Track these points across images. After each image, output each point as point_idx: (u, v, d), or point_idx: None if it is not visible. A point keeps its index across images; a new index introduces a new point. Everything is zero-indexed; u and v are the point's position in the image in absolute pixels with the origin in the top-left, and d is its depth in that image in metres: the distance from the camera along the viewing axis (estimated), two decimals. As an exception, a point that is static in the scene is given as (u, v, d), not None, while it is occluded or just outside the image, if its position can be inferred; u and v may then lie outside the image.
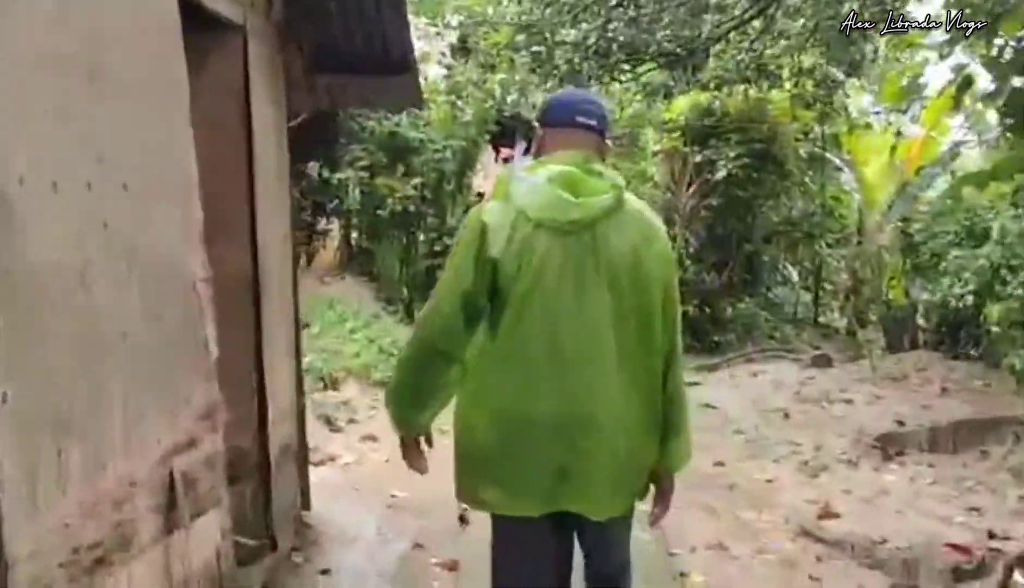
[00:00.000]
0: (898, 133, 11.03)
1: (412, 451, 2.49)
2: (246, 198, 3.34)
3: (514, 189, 2.21)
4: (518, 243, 2.14)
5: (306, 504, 4.12)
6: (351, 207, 11.01)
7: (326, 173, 10.59)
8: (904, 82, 7.96)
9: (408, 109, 5.49)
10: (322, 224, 11.54)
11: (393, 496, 4.84)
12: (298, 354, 4.07)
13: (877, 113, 12.12)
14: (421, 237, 10.98)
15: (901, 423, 6.33)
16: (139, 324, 2.21)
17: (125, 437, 2.15)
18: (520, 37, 9.12)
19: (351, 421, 6.58)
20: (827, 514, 4.81)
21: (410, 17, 11.21)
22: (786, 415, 7.03)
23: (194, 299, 2.56)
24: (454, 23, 11.74)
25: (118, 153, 2.14)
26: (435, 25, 10.92)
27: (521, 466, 2.21)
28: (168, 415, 2.37)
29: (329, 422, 6.21)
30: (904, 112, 8.27)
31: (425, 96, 11.07)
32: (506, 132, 13.49)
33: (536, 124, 2.52)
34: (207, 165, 3.32)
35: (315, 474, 5.08)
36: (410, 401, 2.37)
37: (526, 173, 2.26)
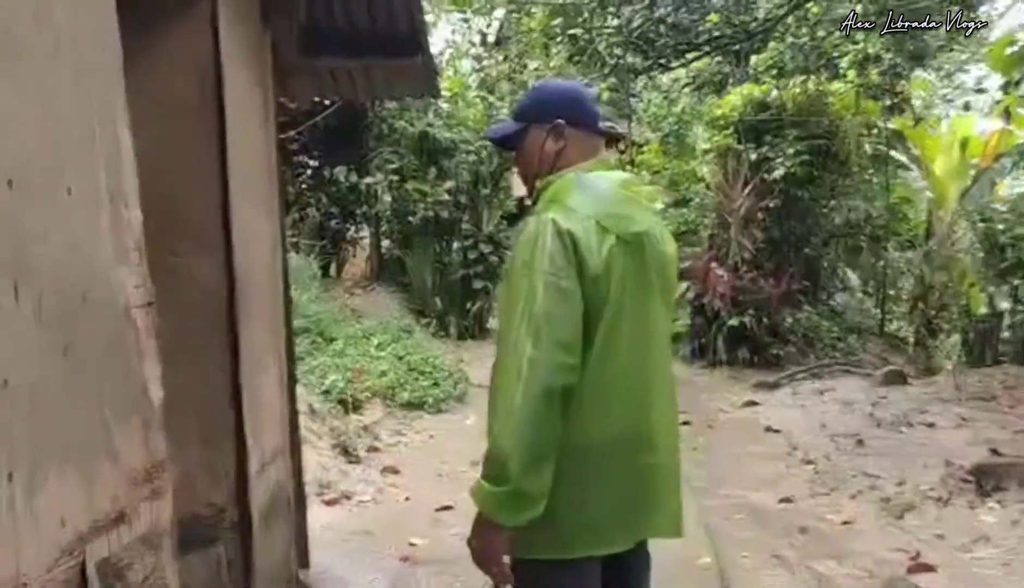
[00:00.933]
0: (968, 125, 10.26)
1: (501, 549, 1.97)
2: (218, 199, 2.80)
3: (581, 196, 2.02)
4: (602, 257, 1.95)
5: (304, 561, 3.56)
6: (381, 213, 10.56)
7: (354, 178, 10.16)
8: (1013, 49, 7.16)
9: (422, 98, 4.96)
10: (351, 232, 11.12)
11: (412, 544, 4.27)
12: (292, 383, 3.52)
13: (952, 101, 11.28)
14: (455, 245, 10.45)
15: (996, 452, 5.61)
16: (32, 362, 1.67)
17: (10, 519, 1.61)
18: (557, 21, 8.48)
19: (372, 450, 6.04)
20: (918, 567, 4.14)
21: (443, 11, 10.72)
22: (860, 441, 6.33)
23: (126, 329, 2.01)
24: (498, 14, 11.20)
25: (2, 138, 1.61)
26: (466, 18, 10.36)
27: (619, 497, 2.04)
28: (81, 483, 1.82)
29: (347, 452, 5.67)
30: (1017, 84, 7.49)
31: (456, 92, 10.63)
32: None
33: (560, 121, 2.13)
34: (163, 159, 2.80)
35: (324, 516, 4.55)
36: (540, 465, 1.89)
37: (590, 179, 2.08)
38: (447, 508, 4.78)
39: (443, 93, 10.21)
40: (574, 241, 1.91)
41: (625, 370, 2.00)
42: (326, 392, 6.56)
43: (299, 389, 6.23)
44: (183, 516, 2.91)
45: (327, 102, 9.70)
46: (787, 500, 5.26)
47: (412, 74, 3.74)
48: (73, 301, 1.80)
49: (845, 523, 4.86)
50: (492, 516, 1.88)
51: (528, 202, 2.25)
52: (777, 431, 6.94)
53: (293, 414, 3.52)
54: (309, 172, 10.86)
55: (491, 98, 10.32)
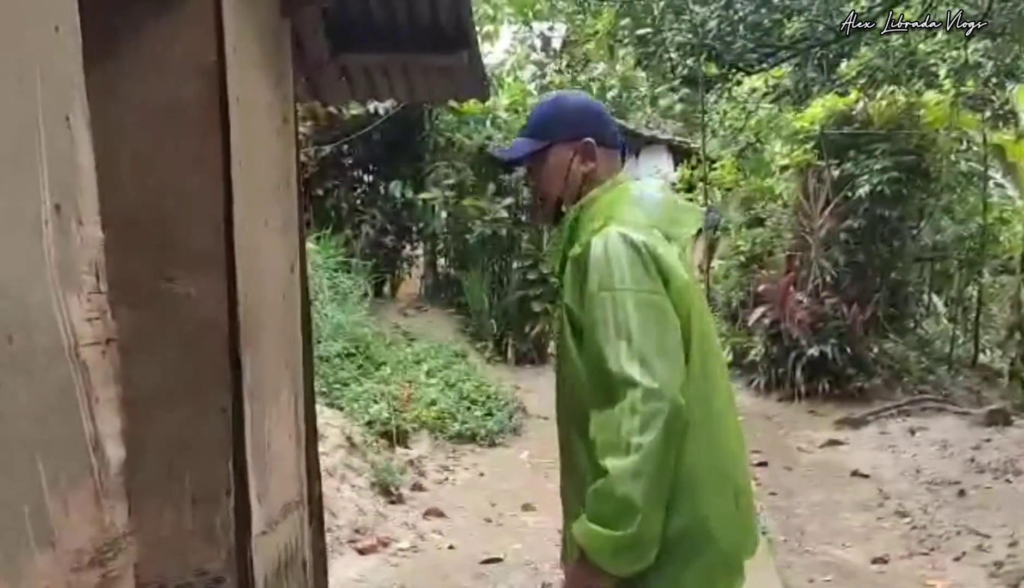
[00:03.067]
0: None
1: None
2: (219, 214, 2.43)
3: (635, 208, 1.94)
4: (677, 269, 1.85)
5: (323, 629, 3.16)
6: (437, 231, 10.23)
7: (410, 193, 9.87)
8: None
9: (468, 99, 4.59)
10: (406, 250, 10.82)
11: (452, 605, 3.85)
12: (312, 426, 3.14)
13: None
14: (514, 264, 10.05)
15: (1124, 509, 4.99)
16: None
17: None
18: (624, 22, 8.02)
19: (416, 488, 5.64)
20: (1043, 651, 3.58)
21: (505, 18, 10.38)
22: (961, 491, 5.73)
23: (72, 375, 1.63)
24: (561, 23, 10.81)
25: None
26: (527, 21, 9.98)
27: (729, 533, 1.90)
28: (-3, 576, 1.44)
29: (387, 491, 5.28)
30: None
31: (515, 99, 10.25)
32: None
33: (590, 140, 2.03)
34: (157, 170, 2.46)
35: (357, 566, 4.16)
36: (660, 505, 1.76)
37: (640, 188, 2.03)
38: (494, 561, 4.37)
39: (502, 102, 9.87)
40: (652, 253, 1.81)
41: (714, 390, 1.90)
42: (369, 423, 6.19)
43: (340, 419, 5.88)
44: (171, 588, 2.54)
45: (381, 112, 9.45)
46: (881, 560, 4.72)
47: (457, 73, 3.36)
48: (-11, 342, 1.43)
49: (950, 592, 4.30)
50: (607, 564, 1.73)
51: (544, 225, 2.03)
52: (865, 476, 6.37)
53: (314, 460, 3.13)
54: (363, 187, 10.61)
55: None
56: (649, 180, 2.12)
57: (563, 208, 2.04)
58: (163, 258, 2.42)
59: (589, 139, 2.01)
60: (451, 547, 4.68)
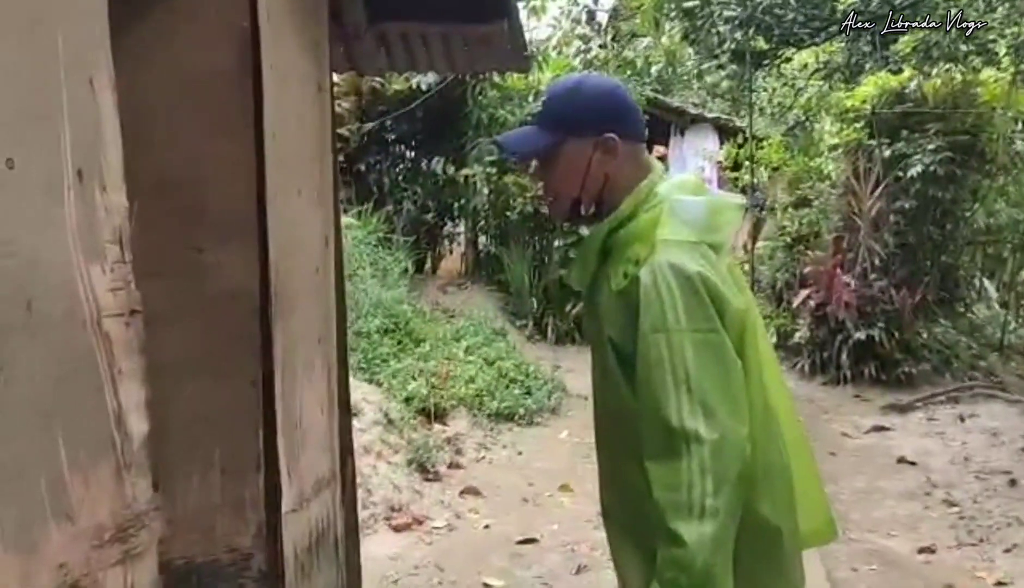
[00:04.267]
0: None
1: None
2: (251, 184, 2.37)
3: (684, 221, 1.75)
4: (728, 297, 1.69)
5: (355, 607, 3.12)
6: (479, 208, 10.17)
7: (452, 170, 9.81)
8: None
9: (509, 71, 4.51)
10: (448, 227, 10.78)
11: (486, 586, 3.80)
12: (346, 402, 3.09)
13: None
14: (556, 242, 9.95)
15: None
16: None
17: None
18: (670, -6, 7.86)
19: (453, 466, 5.61)
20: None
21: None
22: (1012, 481, 5.56)
23: (93, 346, 1.58)
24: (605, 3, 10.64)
25: None
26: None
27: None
28: (9, 557, 1.40)
29: (424, 469, 5.24)
30: None
31: (558, 75, 10.10)
32: (657, 124, 12.29)
33: (612, 136, 1.82)
34: (188, 138, 2.40)
35: (391, 544, 4.13)
36: (730, 565, 1.67)
37: (681, 200, 1.80)
38: (530, 541, 4.32)
39: (546, 77, 9.74)
40: (706, 283, 1.67)
41: (778, 425, 1.77)
42: (407, 400, 6.16)
43: (378, 395, 5.86)
44: (199, 564, 2.51)
45: (424, 88, 9.39)
46: (928, 550, 4.59)
47: (497, 43, 3.26)
48: (9, 307, 1.38)
49: (1000, 584, 4.16)
50: None
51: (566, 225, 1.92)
52: (912, 463, 6.21)
53: (347, 436, 3.08)
54: (405, 163, 10.57)
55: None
56: (683, 179, 1.91)
57: (582, 209, 1.86)
58: (193, 227, 2.37)
59: (611, 135, 1.80)
60: (487, 526, 4.64)
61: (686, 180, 1.91)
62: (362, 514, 4.31)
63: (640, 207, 1.79)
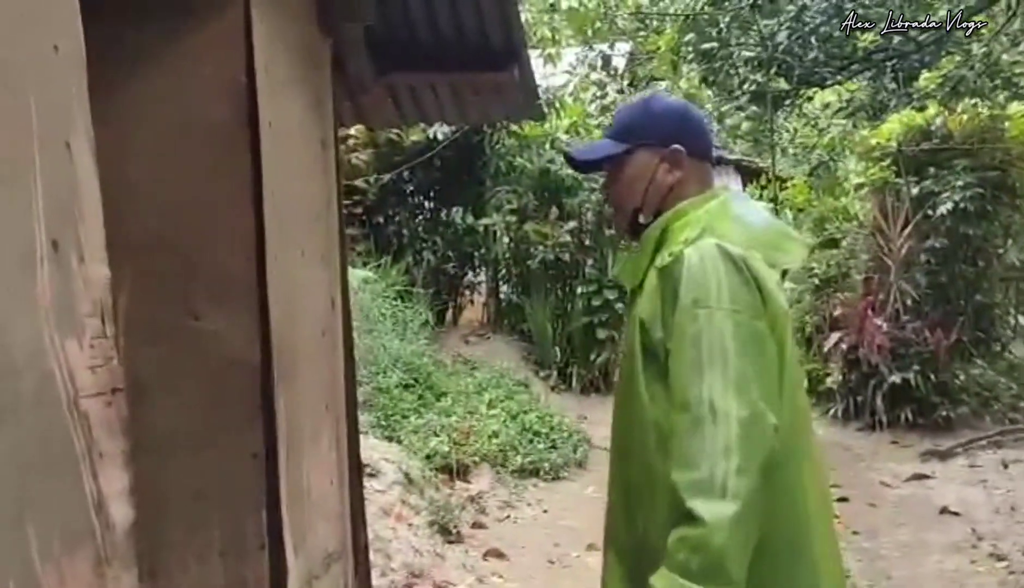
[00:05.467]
0: None
1: None
2: (250, 245, 2.27)
3: (736, 226, 1.72)
4: (775, 295, 1.67)
5: None
6: (499, 257, 10.09)
7: (471, 219, 9.76)
8: None
9: (520, 119, 4.42)
10: (468, 277, 10.70)
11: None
12: (358, 470, 2.96)
13: None
14: (578, 290, 9.83)
15: None
16: None
17: None
18: (688, 37, 7.76)
19: (476, 526, 5.44)
20: None
21: (566, 41, 10.21)
22: (1064, 532, 5.32)
23: (70, 430, 1.47)
24: (621, 48, 10.62)
25: None
26: (587, 40, 9.81)
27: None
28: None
29: (446, 530, 5.08)
30: None
31: (575, 121, 10.07)
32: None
33: (679, 147, 1.83)
34: (182, 198, 2.32)
35: (411, 614, 3.96)
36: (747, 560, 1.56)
37: (741, 206, 1.81)
38: (556, 607, 4.13)
39: (562, 125, 9.70)
40: (751, 269, 1.63)
41: (802, 429, 1.73)
42: (428, 457, 6.01)
43: (398, 453, 5.71)
44: (198, 652, 2.37)
45: (440, 138, 9.36)
46: (978, 610, 4.35)
47: (507, 91, 3.18)
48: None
49: (1057, 647, 3.93)
50: None
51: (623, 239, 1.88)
52: (955, 514, 5.97)
53: (359, 506, 2.95)
54: (424, 214, 10.53)
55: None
56: (753, 201, 1.95)
57: (640, 220, 1.85)
58: (189, 292, 2.27)
59: (678, 147, 1.82)
60: (511, 593, 4.48)
61: (753, 201, 1.95)
62: (381, 581, 4.15)
63: (702, 202, 1.79)
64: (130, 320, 2.25)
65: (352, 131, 10.00)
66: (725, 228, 1.71)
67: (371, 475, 5.05)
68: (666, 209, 1.80)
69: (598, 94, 9.75)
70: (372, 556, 4.21)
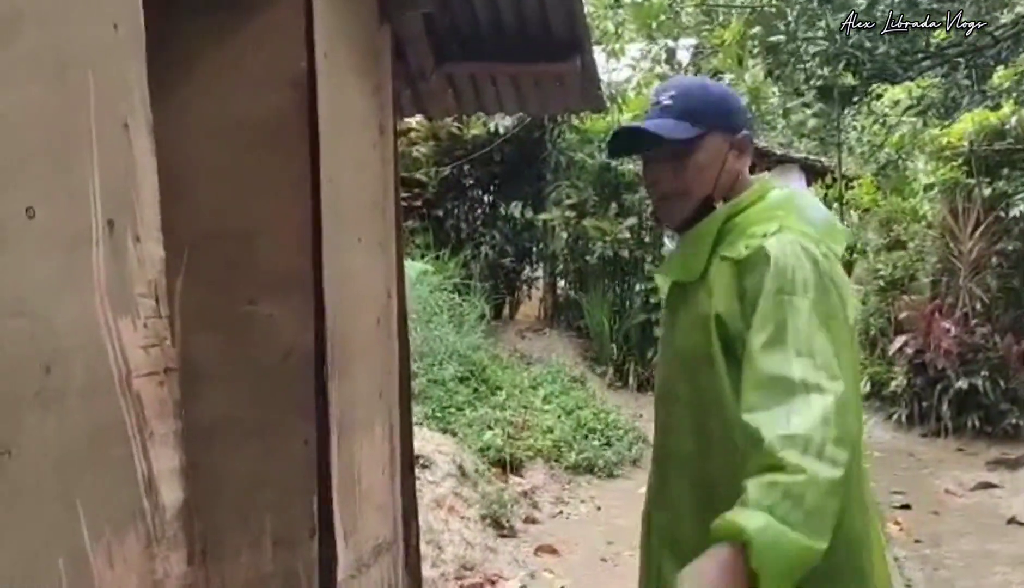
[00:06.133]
0: None
1: None
2: (307, 233, 2.27)
3: (804, 219, 1.71)
4: (848, 295, 1.68)
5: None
6: (557, 252, 10.04)
7: (530, 213, 9.73)
8: None
9: (582, 110, 4.38)
10: (526, 272, 10.67)
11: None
12: (410, 461, 2.95)
13: None
14: (636, 287, 9.74)
15: None
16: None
17: None
18: (755, 30, 7.60)
19: (529, 521, 5.41)
20: None
21: (629, 36, 10.12)
22: None
23: (121, 409, 1.47)
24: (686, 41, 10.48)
25: None
26: (651, 35, 9.70)
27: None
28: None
29: (498, 524, 5.06)
30: None
31: (637, 115, 9.95)
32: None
33: (748, 134, 1.81)
34: (240, 185, 2.32)
35: (461, 607, 3.95)
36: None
37: (804, 198, 1.83)
38: (608, 605, 4.08)
39: (625, 119, 9.62)
40: (831, 272, 1.63)
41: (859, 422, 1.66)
42: (482, 450, 5.99)
43: (452, 446, 5.71)
44: (248, 640, 2.38)
45: (501, 131, 9.35)
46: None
47: (569, 82, 3.14)
48: (22, 375, 1.27)
49: None
50: (777, 570, 1.36)
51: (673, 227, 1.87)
52: (1023, 524, 5.77)
53: (410, 497, 2.94)
54: (483, 208, 10.54)
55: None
56: (796, 189, 1.94)
57: (716, 207, 1.75)
58: (245, 279, 2.28)
59: (747, 133, 1.78)
60: (563, 588, 4.44)
61: (801, 191, 1.97)
62: (432, 573, 4.15)
63: (758, 200, 1.74)
64: (187, 306, 2.27)
65: (413, 124, 10.03)
66: (795, 222, 1.68)
67: (424, 466, 5.05)
68: (731, 197, 1.74)
69: (661, 89, 9.61)
70: (424, 547, 4.21)
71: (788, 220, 1.67)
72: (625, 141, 1.95)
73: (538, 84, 3.22)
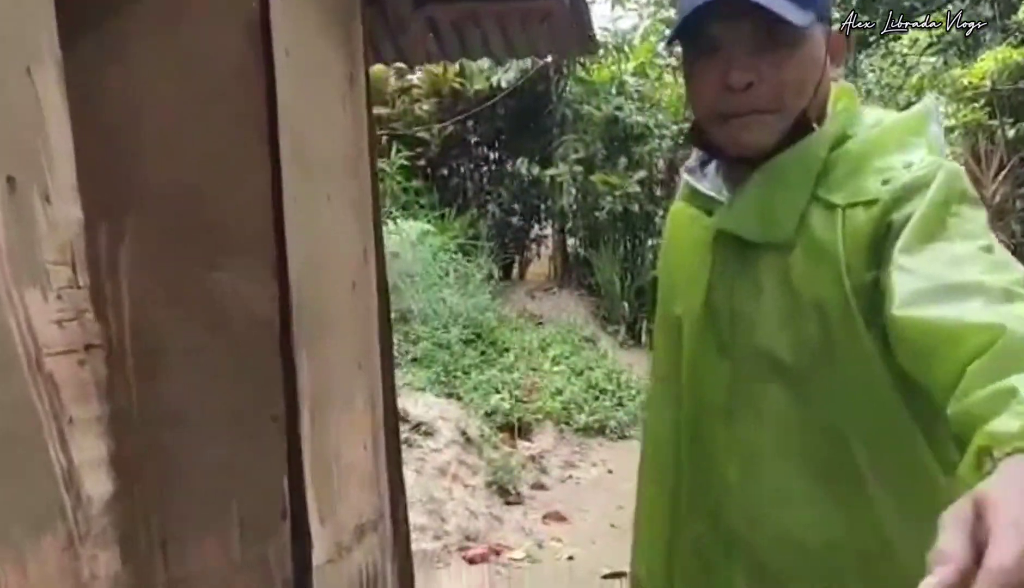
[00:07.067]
0: None
1: None
2: (265, 193, 2.07)
3: (933, 144, 1.23)
4: None
5: (411, 664, 2.80)
6: (566, 208, 9.84)
7: (536, 170, 9.51)
8: None
9: (572, 54, 4.17)
10: (535, 230, 10.49)
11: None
12: (396, 432, 2.78)
13: None
14: (648, 242, 9.53)
15: None
16: None
17: None
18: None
19: (537, 487, 5.27)
20: None
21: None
22: None
23: (31, 392, 1.30)
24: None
25: None
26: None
27: None
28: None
29: (505, 491, 4.92)
30: None
31: (643, 61, 9.69)
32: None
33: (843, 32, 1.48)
34: (196, 140, 2.13)
35: (463, 579, 3.81)
36: None
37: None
38: (618, 575, 3.94)
39: (630, 67, 9.37)
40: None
41: None
42: (488, 414, 5.85)
43: (456, 411, 5.56)
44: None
45: (504, 85, 9.11)
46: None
47: (557, 20, 2.91)
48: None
49: None
50: None
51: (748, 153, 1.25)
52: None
53: (396, 470, 2.77)
54: (489, 165, 10.33)
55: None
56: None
57: (813, 128, 1.24)
58: (199, 242, 2.09)
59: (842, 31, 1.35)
60: (570, 558, 4.29)
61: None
62: (434, 545, 4.02)
63: (858, 127, 1.25)
64: (134, 275, 2.10)
65: (415, 81, 9.81)
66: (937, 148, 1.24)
67: (427, 434, 4.91)
68: (821, 121, 1.25)
69: (667, 34, 9.36)
70: (425, 518, 4.08)
71: (932, 150, 1.22)
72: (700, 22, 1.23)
73: (525, 26, 2.99)
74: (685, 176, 1.42)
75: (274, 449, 2.16)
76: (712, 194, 1.34)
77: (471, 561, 4.06)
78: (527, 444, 5.86)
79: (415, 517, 3.94)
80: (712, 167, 1.39)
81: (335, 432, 2.34)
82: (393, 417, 2.82)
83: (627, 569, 4.13)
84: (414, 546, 3.86)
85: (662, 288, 1.49)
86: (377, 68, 9.63)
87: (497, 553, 4.21)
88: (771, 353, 1.24)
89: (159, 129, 2.10)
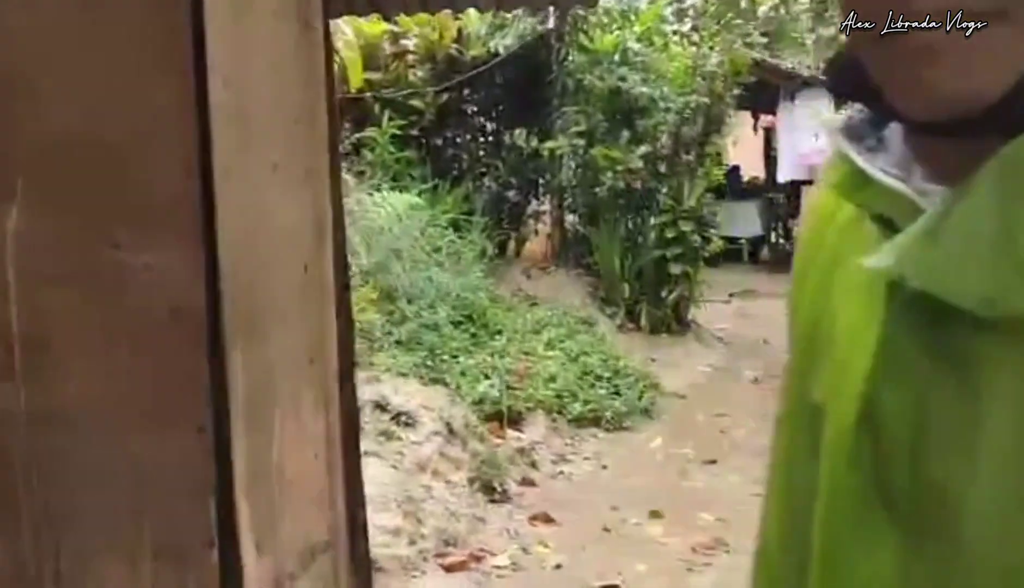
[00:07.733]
0: None
1: None
2: (190, 157, 1.72)
3: None
4: None
5: None
6: (565, 184, 9.49)
7: (535, 142, 9.15)
8: None
9: (568, 8, 3.82)
10: (532, 205, 10.13)
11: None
12: (355, 435, 2.44)
13: None
14: (651, 221, 9.18)
15: None
16: None
17: None
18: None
19: (526, 483, 4.95)
20: None
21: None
22: None
23: None
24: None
25: None
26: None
27: None
28: None
29: (489, 488, 4.60)
30: None
31: (648, 27, 9.29)
32: (764, 90, 11.31)
33: None
34: (87, 82, 1.78)
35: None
36: None
37: None
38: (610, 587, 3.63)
39: (634, 33, 8.98)
40: None
41: None
42: (476, 402, 5.51)
43: (440, 399, 5.23)
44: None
45: (501, 51, 8.74)
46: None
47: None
48: None
49: None
50: None
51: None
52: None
53: (355, 477, 2.44)
54: (486, 137, 9.95)
55: (697, 37, 8.88)
56: None
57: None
58: (108, 211, 1.75)
59: None
60: (557, 566, 3.97)
61: None
62: (409, 550, 3.71)
63: None
64: (26, 248, 1.76)
65: (411, 46, 9.42)
66: None
67: (407, 424, 4.59)
68: None
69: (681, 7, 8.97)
70: (400, 520, 3.75)
71: None
72: None
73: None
74: (839, 141, 0.74)
75: (199, 463, 1.83)
76: (898, 186, 0.66)
77: (449, 569, 3.74)
78: (517, 435, 5.53)
79: (388, 519, 3.63)
80: (893, 128, 0.74)
81: (278, 441, 2.01)
82: (352, 418, 2.48)
83: (619, 582, 3.77)
84: (386, 551, 3.53)
85: (794, 342, 0.82)
86: (372, 31, 9.25)
87: (478, 559, 3.88)
88: (995, 548, 0.59)
89: (57, 71, 1.76)
